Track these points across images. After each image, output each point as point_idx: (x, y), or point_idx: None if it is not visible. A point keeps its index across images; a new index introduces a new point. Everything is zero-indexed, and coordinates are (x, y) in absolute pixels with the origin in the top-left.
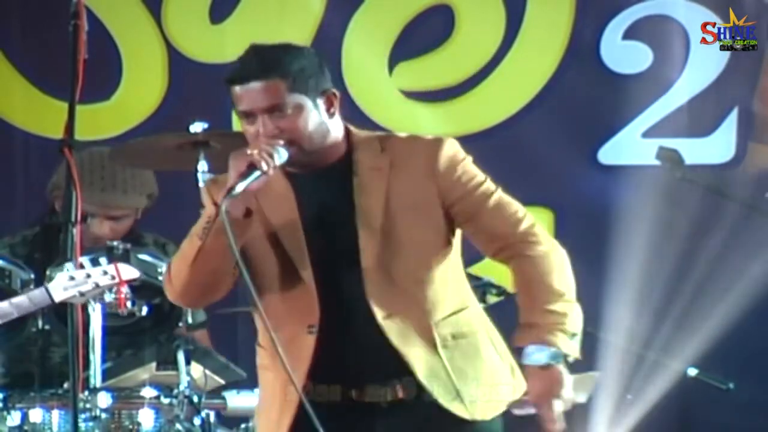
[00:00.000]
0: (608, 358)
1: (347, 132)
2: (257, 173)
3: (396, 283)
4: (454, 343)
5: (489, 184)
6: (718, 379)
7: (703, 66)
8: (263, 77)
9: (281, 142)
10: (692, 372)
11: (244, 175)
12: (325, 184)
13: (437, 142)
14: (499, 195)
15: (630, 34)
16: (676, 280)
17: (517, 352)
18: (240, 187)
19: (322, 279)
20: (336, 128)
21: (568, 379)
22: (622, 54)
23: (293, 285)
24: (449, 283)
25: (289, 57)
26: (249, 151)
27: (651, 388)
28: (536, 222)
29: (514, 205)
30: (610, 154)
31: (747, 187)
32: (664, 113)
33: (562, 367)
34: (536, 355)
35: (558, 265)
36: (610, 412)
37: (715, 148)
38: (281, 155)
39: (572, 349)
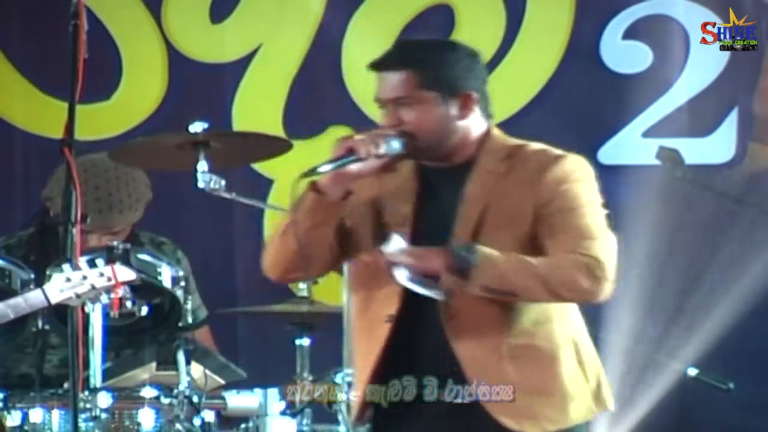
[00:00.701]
0: (608, 358)
1: (486, 134)
2: (352, 157)
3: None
4: (525, 354)
5: (584, 211)
6: (718, 379)
7: (703, 66)
8: (396, 68)
9: (393, 132)
10: (692, 372)
11: (339, 158)
12: (446, 182)
13: (557, 157)
14: (585, 221)
15: (630, 34)
16: (676, 280)
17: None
18: (324, 168)
19: None
20: (469, 129)
21: (424, 257)
22: (622, 54)
23: (382, 273)
24: None
25: (429, 53)
26: (356, 137)
27: (651, 388)
28: (605, 259)
29: (593, 237)
30: (610, 153)
31: (747, 187)
32: (664, 113)
33: (446, 255)
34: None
35: (572, 267)
36: (610, 412)
37: (715, 148)
38: (391, 145)
39: (488, 271)
